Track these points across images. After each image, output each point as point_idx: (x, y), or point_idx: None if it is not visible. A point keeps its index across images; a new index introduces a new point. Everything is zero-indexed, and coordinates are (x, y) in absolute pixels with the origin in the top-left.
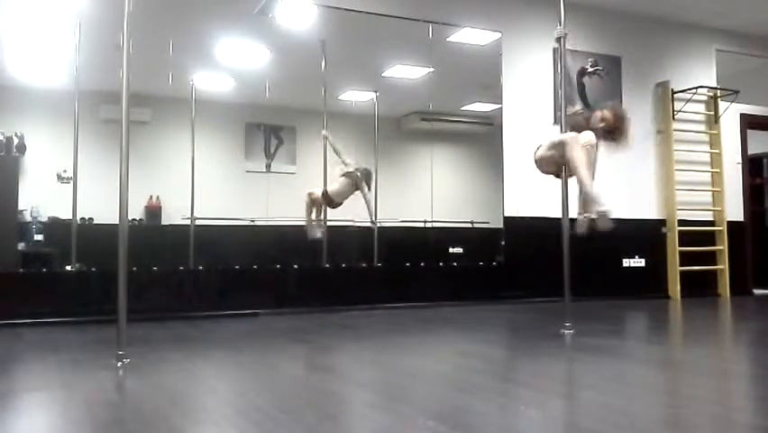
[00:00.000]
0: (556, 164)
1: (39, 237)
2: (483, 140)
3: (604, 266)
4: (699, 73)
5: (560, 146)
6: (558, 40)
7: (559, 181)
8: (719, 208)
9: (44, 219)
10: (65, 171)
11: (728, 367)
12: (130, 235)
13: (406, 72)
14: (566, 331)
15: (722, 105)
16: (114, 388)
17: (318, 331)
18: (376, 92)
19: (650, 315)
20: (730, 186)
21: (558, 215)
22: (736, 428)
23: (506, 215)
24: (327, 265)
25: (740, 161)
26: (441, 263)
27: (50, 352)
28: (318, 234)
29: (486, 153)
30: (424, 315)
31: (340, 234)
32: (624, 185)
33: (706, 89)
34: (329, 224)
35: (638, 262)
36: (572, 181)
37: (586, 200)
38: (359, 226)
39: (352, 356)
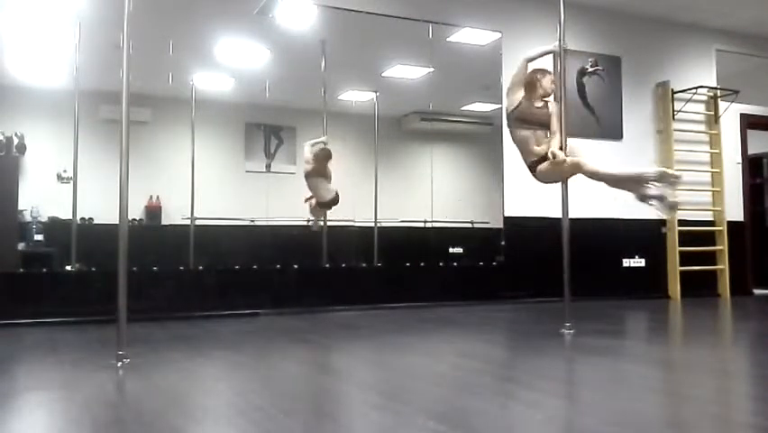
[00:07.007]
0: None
1: (39, 237)
2: (483, 140)
3: (604, 266)
4: (699, 73)
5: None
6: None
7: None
8: (719, 208)
9: (44, 219)
10: (65, 171)
11: (728, 367)
12: (130, 235)
13: (406, 72)
14: (566, 331)
15: (722, 105)
16: (114, 388)
17: (318, 331)
18: (376, 92)
19: (650, 315)
20: (730, 186)
21: (558, 215)
22: (736, 428)
23: (506, 215)
24: (327, 265)
25: (740, 161)
26: (441, 263)
27: (51, 352)
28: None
29: (486, 153)
30: (424, 315)
31: (340, 234)
32: None
33: (706, 89)
34: (329, 224)
35: (638, 262)
36: (572, 181)
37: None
38: (359, 226)
39: (351, 356)
